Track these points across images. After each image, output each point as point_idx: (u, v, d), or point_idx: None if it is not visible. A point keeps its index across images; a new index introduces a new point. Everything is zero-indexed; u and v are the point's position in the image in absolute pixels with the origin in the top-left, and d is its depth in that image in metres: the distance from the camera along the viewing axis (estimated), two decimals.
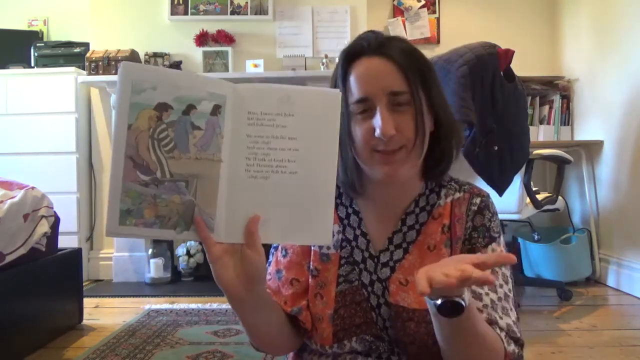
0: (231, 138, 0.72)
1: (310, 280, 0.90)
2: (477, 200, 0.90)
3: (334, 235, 0.91)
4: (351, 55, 0.86)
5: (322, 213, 0.75)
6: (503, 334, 0.81)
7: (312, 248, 0.92)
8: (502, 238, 0.90)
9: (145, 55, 3.38)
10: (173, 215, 0.70)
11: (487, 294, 0.83)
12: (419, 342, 0.85)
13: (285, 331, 0.89)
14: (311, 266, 0.91)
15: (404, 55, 0.84)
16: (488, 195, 0.93)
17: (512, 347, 0.82)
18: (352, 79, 0.85)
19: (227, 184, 0.72)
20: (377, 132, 0.82)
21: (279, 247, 0.95)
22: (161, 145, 0.70)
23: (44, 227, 2.13)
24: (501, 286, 0.85)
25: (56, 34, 3.80)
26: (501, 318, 0.83)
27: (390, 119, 0.82)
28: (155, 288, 3.19)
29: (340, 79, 0.87)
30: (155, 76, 0.69)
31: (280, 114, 0.73)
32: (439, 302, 0.69)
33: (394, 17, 3.82)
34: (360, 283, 0.89)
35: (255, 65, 3.29)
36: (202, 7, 3.40)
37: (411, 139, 0.84)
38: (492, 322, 0.82)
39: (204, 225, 0.71)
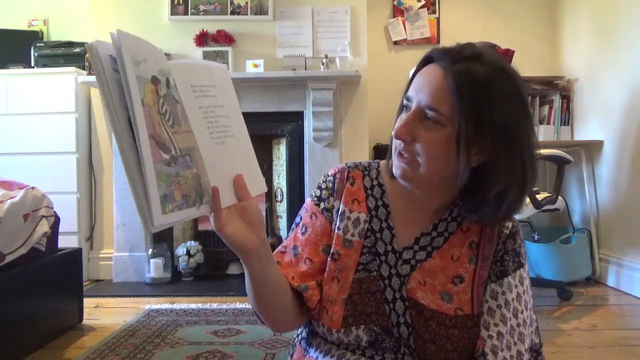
0: (189, 110, 0.73)
1: (329, 263, 0.92)
2: (509, 224, 0.92)
3: (360, 224, 0.93)
4: (429, 57, 0.87)
5: (255, 167, 0.84)
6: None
7: (336, 232, 0.93)
8: (527, 265, 0.93)
9: None
10: (191, 191, 0.70)
11: (495, 325, 0.86)
12: (439, 342, 0.86)
13: (289, 299, 0.90)
14: (333, 250, 0.92)
15: (464, 80, 0.80)
16: (517, 222, 0.95)
17: None
18: (415, 77, 0.87)
19: (204, 153, 0.73)
20: (393, 131, 0.85)
21: (300, 224, 0.97)
22: (165, 120, 0.67)
23: (44, 227, 2.13)
24: (522, 312, 0.88)
25: (56, 34, 3.80)
26: (515, 344, 0.86)
27: (409, 125, 0.83)
28: (155, 288, 3.19)
29: (414, 73, 0.89)
30: (144, 47, 0.66)
31: (211, 85, 0.78)
32: None
33: (394, 17, 3.82)
34: (378, 274, 0.91)
35: (256, 65, 3.29)
36: (202, 7, 3.40)
37: (426, 156, 0.83)
38: (495, 352, 0.85)
39: (219, 195, 0.73)
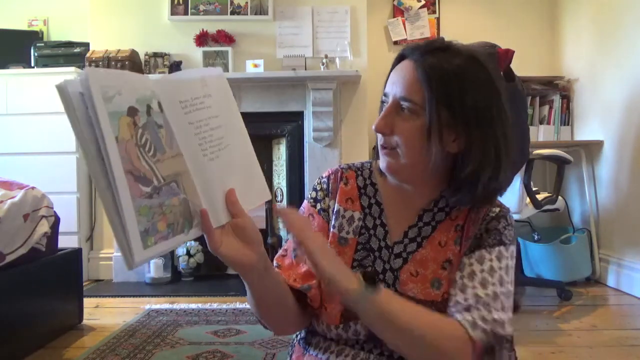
0: (178, 130, 0.71)
1: None
2: (497, 209, 0.93)
3: (354, 222, 0.96)
4: (401, 54, 0.92)
5: (257, 174, 0.82)
6: (468, 321, 0.82)
7: (331, 231, 0.96)
8: (513, 247, 0.91)
9: (145, 55, 3.38)
10: (178, 218, 0.68)
11: (473, 288, 0.85)
12: None
13: (291, 304, 0.91)
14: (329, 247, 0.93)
15: (433, 70, 0.85)
16: (509, 210, 0.94)
17: (478, 333, 0.81)
18: (390, 75, 0.92)
19: (195, 173, 0.72)
20: (373, 125, 0.90)
21: None
22: (145, 151, 0.66)
23: (44, 227, 2.13)
24: (493, 284, 0.85)
25: (56, 34, 3.80)
26: (478, 309, 0.83)
27: (387, 118, 0.88)
28: (155, 288, 3.19)
29: (389, 72, 0.93)
30: (117, 80, 0.64)
31: (206, 96, 0.76)
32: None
33: (394, 17, 3.82)
34: (373, 270, 0.93)
35: (256, 65, 3.29)
36: (202, 7, 3.40)
37: (405, 146, 0.87)
38: (466, 310, 0.83)
39: (208, 217, 0.72)
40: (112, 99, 0.62)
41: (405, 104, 0.86)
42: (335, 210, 0.97)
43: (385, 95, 0.91)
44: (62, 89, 0.60)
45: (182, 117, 0.72)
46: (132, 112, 0.65)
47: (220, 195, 0.75)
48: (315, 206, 0.99)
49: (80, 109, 0.61)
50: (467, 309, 0.83)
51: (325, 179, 1.00)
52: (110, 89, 0.62)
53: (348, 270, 0.82)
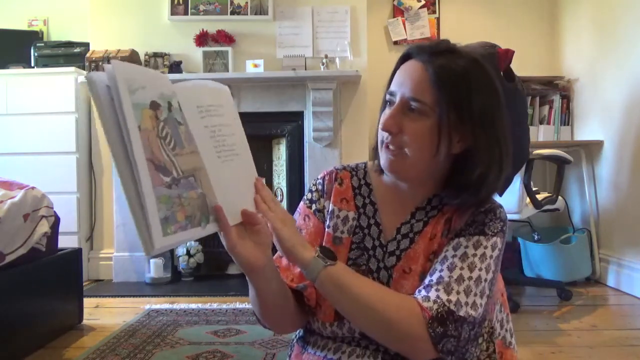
0: (195, 131, 0.74)
1: None
2: (487, 205, 0.92)
3: (349, 222, 0.96)
4: (407, 54, 0.93)
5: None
6: (423, 296, 0.82)
7: (326, 230, 0.97)
8: (496, 239, 0.88)
9: (145, 55, 3.38)
10: (195, 211, 0.70)
11: (440, 270, 0.85)
12: None
13: (291, 304, 0.92)
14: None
15: (443, 71, 0.86)
16: (501, 206, 0.94)
17: (429, 304, 0.80)
18: (396, 74, 0.92)
19: (211, 172, 0.74)
20: (380, 124, 0.90)
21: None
22: (166, 143, 0.69)
23: (44, 227, 2.13)
24: (462, 269, 0.84)
25: (56, 34, 3.80)
26: (437, 290, 0.82)
27: (396, 117, 0.87)
28: (155, 288, 3.19)
29: (393, 71, 0.94)
30: (142, 75, 0.68)
31: (219, 105, 0.79)
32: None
33: (394, 17, 3.82)
34: (367, 268, 0.94)
35: (256, 65, 3.29)
36: (202, 7, 3.40)
37: (412, 146, 0.87)
38: (425, 288, 0.84)
39: (223, 212, 0.74)
40: (135, 92, 0.66)
41: (414, 105, 0.86)
42: (330, 210, 0.98)
43: (391, 94, 0.90)
44: (91, 80, 0.63)
45: (198, 120, 0.75)
46: (154, 106, 0.68)
47: (233, 196, 0.78)
48: (310, 207, 1.00)
49: (106, 100, 0.64)
50: (427, 287, 0.84)
51: (320, 180, 1.01)
52: (134, 82, 0.66)
53: (307, 242, 0.86)
